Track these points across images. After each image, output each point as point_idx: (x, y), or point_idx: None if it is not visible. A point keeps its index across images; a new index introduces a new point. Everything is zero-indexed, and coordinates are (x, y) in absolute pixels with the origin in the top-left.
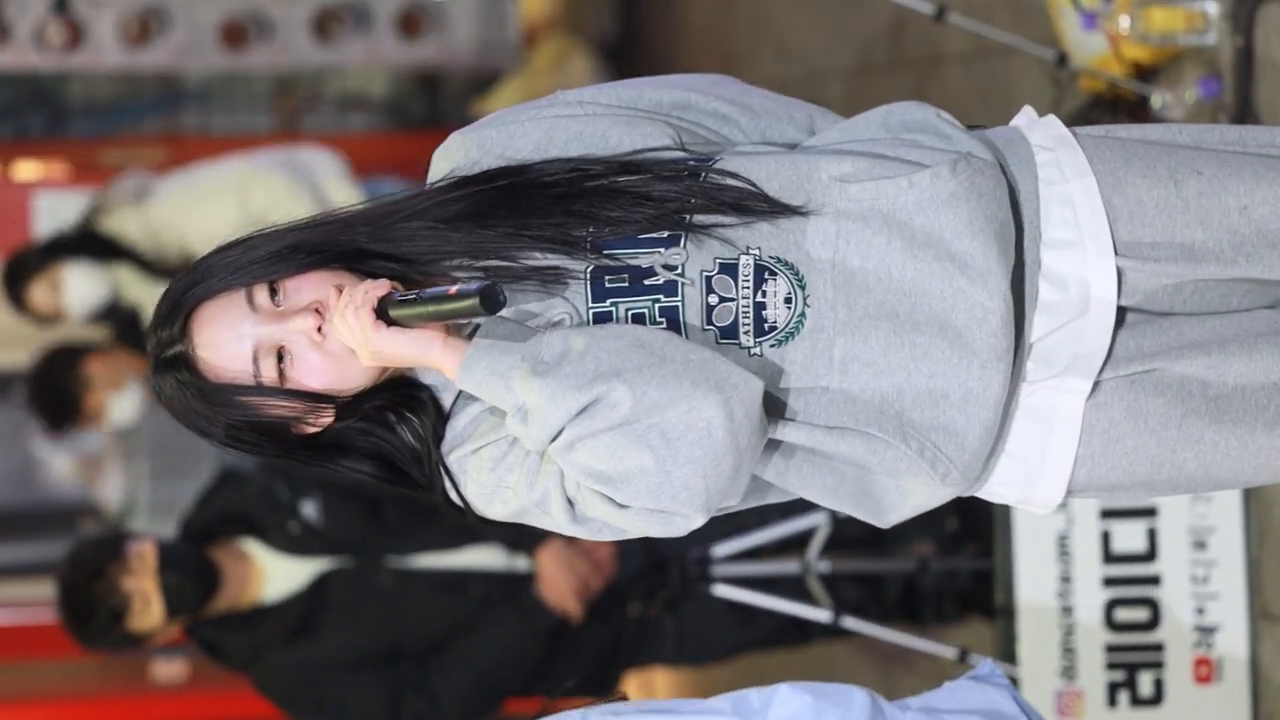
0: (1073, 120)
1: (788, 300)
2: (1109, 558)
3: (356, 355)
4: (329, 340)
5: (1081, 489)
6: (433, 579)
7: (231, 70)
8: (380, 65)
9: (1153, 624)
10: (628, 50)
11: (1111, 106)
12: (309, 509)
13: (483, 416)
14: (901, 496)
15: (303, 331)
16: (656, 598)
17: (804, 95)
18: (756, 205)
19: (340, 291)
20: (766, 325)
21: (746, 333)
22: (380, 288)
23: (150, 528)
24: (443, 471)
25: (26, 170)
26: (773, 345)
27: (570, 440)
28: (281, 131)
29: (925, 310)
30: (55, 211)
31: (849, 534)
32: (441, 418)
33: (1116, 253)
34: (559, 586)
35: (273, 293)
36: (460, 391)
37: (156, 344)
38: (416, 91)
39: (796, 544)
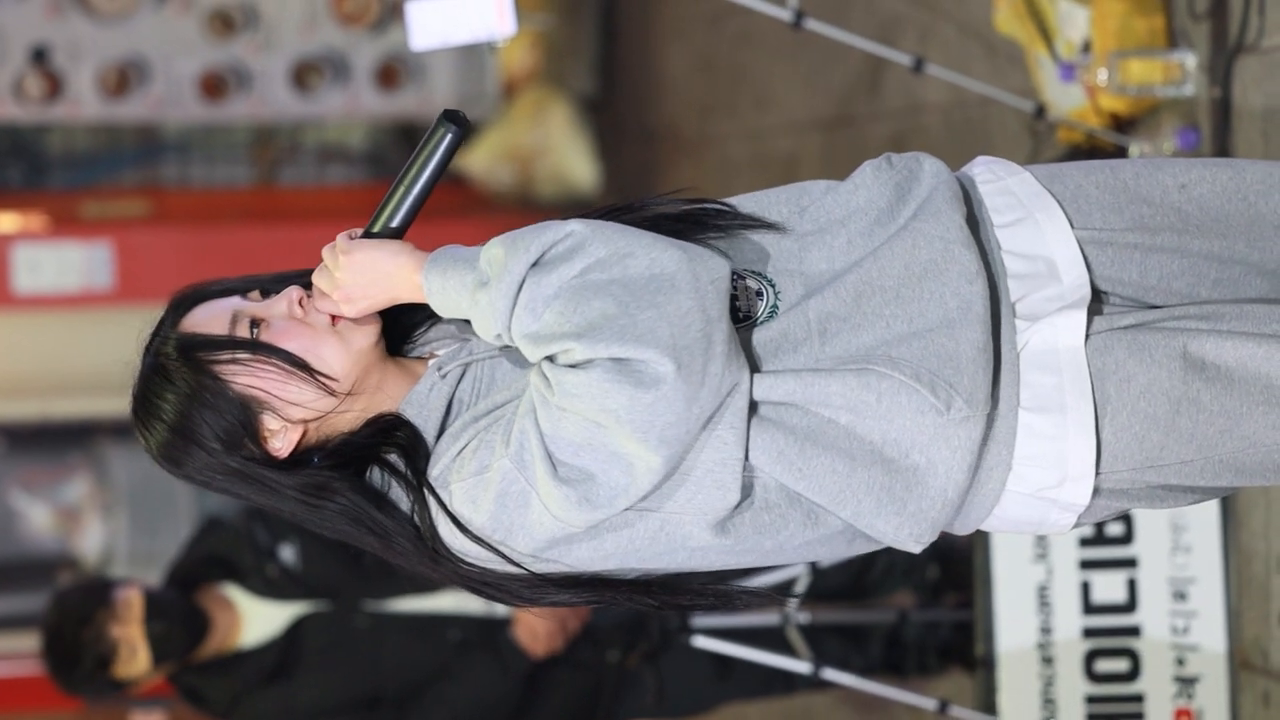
0: None
1: (759, 294)
2: (1089, 608)
3: (335, 332)
4: (309, 314)
5: (1111, 454)
6: (410, 623)
7: (211, 121)
8: (359, 117)
9: (1133, 675)
10: (607, 102)
11: (1089, 157)
12: (287, 553)
13: (461, 430)
14: (919, 476)
15: (284, 303)
16: (636, 649)
17: (783, 146)
18: (728, 217)
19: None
20: (741, 314)
21: None
22: (355, 228)
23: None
24: (428, 492)
25: (5, 222)
26: (748, 329)
27: (531, 296)
28: (260, 183)
29: (888, 257)
30: (34, 263)
31: (829, 585)
32: (425, 454)
33: (1071, 225)
34: (536, 630)
35: (265, 294)
36: (443, 422)
37: (147, 346)
38: (395, 143)
39: (778, 596)
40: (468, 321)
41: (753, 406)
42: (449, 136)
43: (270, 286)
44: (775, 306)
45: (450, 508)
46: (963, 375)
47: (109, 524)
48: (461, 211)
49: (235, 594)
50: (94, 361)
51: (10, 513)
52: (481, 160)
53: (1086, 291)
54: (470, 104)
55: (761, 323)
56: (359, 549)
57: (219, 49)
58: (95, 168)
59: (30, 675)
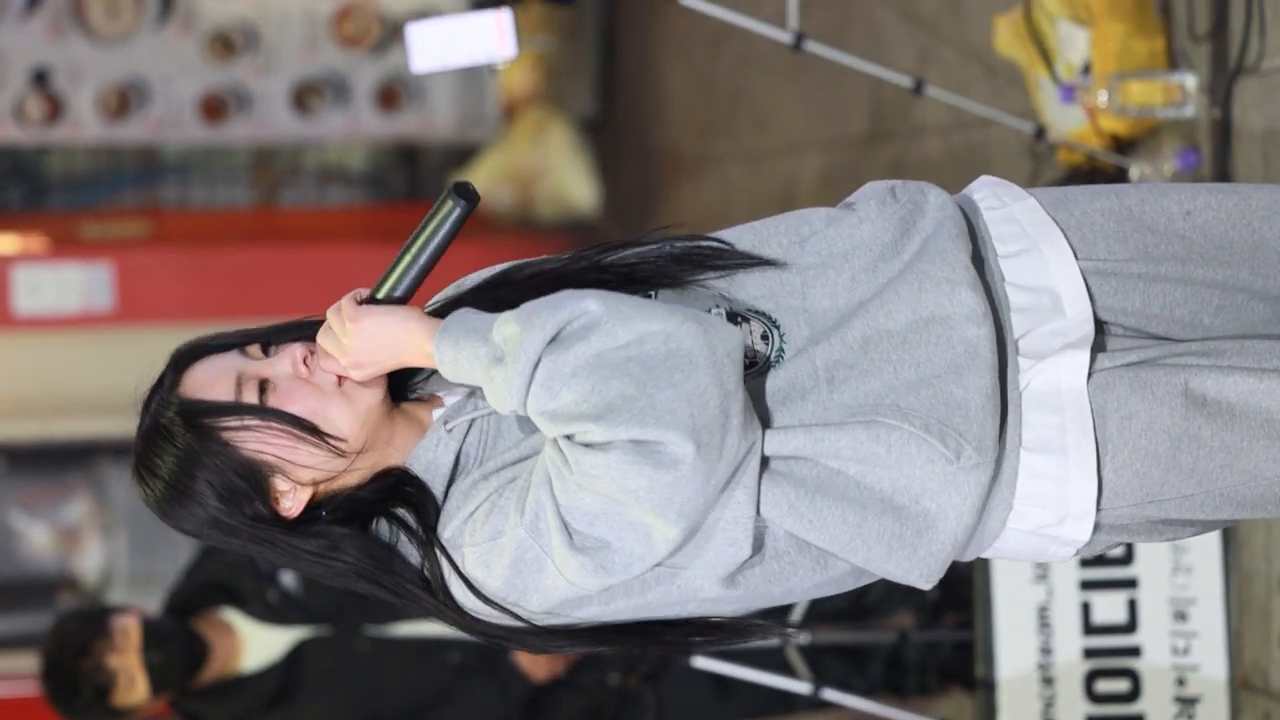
0: None
1: (764, 337)
2: (1089, 629)
3: (342, 392)
4: (315, 374)
5: (1112, 491)
6: (411, 647)
7: (211, 143)
8: (359, 138)
9: (1133, 695)
10: (607, 124)
11: (1090, 179)
12: (288, 577)
13: (472, 489)
14: (930, 522)
15: (288, 362)
16: (636, 669)
17: (782, 168)
18: (727, 257)
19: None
20: (747, 360)
21: None
22: (359, 290)
23: (128, 600)
24: (440, 553)
25: (5, 243)
26: (755, 376)
27: (548, 375)
28: (261, 204)
29: (894, 301)
30: (35, 284)
31: (829, 605)
32: (435, 509)
33: (1075, 256)
34: (536, 655)
35: (266, 348)
36: (451, 476)
37: (147, 393)
38: (396, 164)
39: (777, 615)
40: None
41: (763, 461)
42: (457, 210)
43: (270, 339)
44: (781, 350)
45: (463, 570)
46: (972, 423)
47: (108, 544)
48: (462, 233)
49: (236, 619)
50: (94, 382)
51: (10, 533)
52: (481, 181)
53: (1090, 329)
54: (470, 125)
55: (769, 368)
56: None
57: (219, 71)
58: (95, 189)
59: (30, 696)
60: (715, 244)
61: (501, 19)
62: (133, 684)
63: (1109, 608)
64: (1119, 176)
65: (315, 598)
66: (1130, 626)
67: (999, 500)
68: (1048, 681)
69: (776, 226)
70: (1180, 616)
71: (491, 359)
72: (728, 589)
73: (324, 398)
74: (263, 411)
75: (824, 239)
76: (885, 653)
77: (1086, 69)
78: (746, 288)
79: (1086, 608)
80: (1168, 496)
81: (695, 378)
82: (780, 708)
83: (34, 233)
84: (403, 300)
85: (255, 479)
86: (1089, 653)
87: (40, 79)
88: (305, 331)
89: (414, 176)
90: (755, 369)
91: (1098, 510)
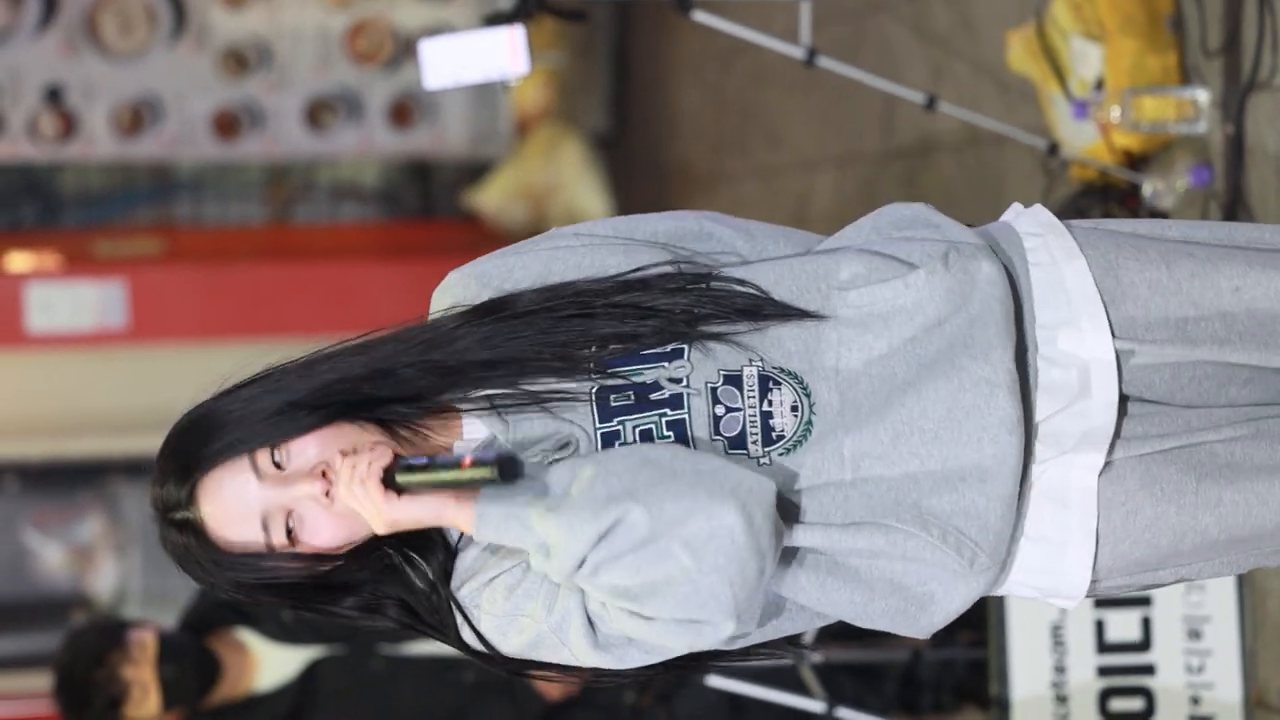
0: (1063, 209)
1: (794, 408)
2: (1103, 647)
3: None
4: (336, 502)
5: (1107, 572)
6: (425, 665)
7: (224, 160)
8: (372, 155)
9: (1147, 714)
10: (619, 140)
11: (1103, 194)
12: None
13: (490, 557)
14: (934, 601)
15: (308, 495)
16: (650, 688)
17: (795, 184)
18: (764, 309)
19: (345, 455)
20: (774, 434)
21: (754, 442)
22: (383, 456)
23: (144, 618)
24: (454, 608)
25: (19, 261)
26: (781, 454)
27: (595, 565)
28: (274, 221)
29: (931, 398)
30: (48, 302)
31: (842, 624)
32: (450, 554)
33: (1113, 334)
34: None
35: (275, 454)
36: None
37: (163, 503)
38: (409, 181)
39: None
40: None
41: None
42: (488, 475)
43: (271, 440)
44: (809, 424)
45: (478, 628)
46: (989, 534)
47: (122, 563)
48: (474, 249)
49: (250, 638)
50: (108, 401)
51: (24, 552)
52: (494, 198)
53: (1111, 419)
54: (483, 141)
55: (794, 445)
56: None
57: (232, 88)
58: (109, 206)
59: (43, 715)
60: (753, 294)
61: (514, 35)
62: (145, 697)
63: (1123, 626)
64: (1132, 192)
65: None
66: (1144, 645)
67: (998, 580)
68: (1061, 700)
69: (815, 270)
70: (1194, 635)
71: (538, 549)
72: (730, 643)
73: (349, 523)
74: (296, 557)
75: (865, 294)
76: (899, 671)
77: (1099, 85)
78: (780, 340)
79: (1100, 626)
80: (1164, 569)
81: (738, 558)
82: None
83: (47, 250)
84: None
85: (283, 584)
86: (1103, 671)
87: (54, 96)
88: (311, 420)
89: (427, 192)
90: (784, 441)
91: (1091, 582)
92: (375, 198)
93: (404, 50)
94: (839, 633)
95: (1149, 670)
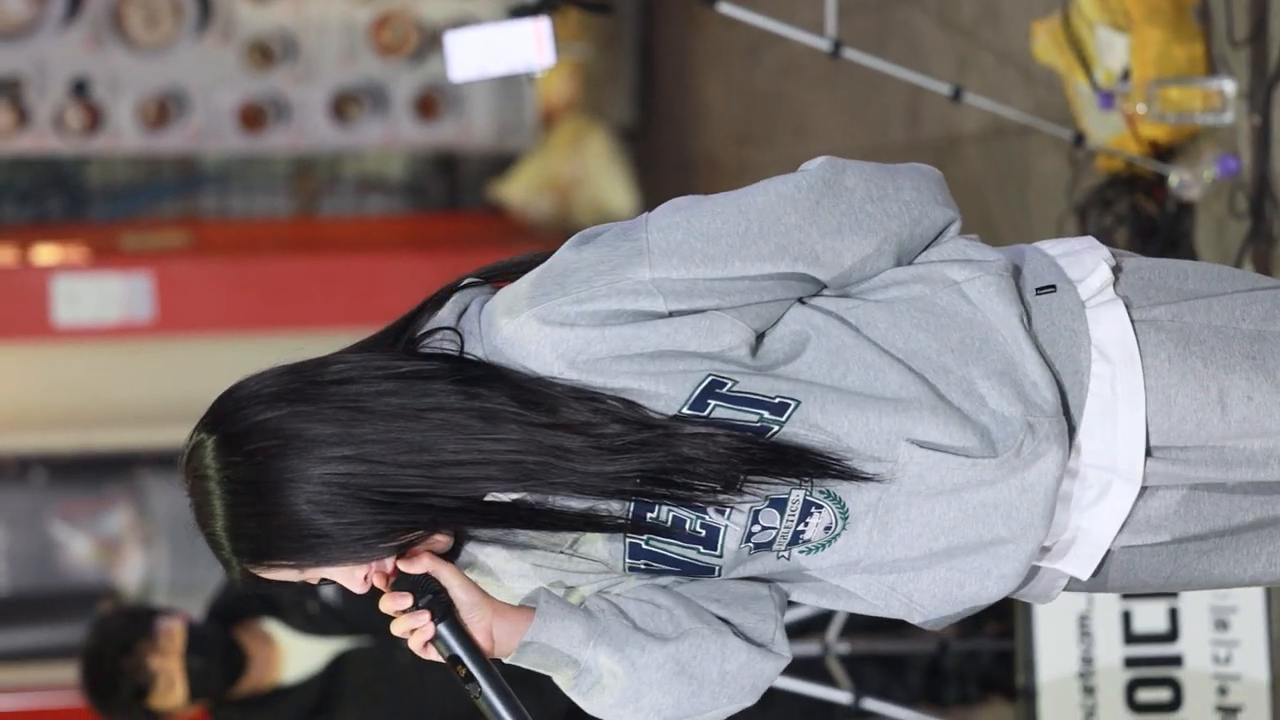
0: (1090, 200)
1: (828, 528)
2: (1130, 638)
3: None
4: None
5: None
6: None
7: (250, 153)
8: (398, 147)
9: (1175, 705)
10: (645, 132)
11: (1129, 185)
12: (328, 589)
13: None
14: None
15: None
16: None
17: None
18: (829, 470)
19: (397, 561)
20: (801, 541)
21: (780, 547)
22: (426, 630)
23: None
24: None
25: (45, 254)
26: (802, 552)
27: None
28: (300, 213)
29: (960, 545)
30: (74, 295)
31: (869, 615)
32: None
33: (1149, 455)
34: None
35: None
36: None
37: (213, 541)
38: (434, 173)
39: (816, 625)
40: None
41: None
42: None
43: (325, 563)
44: (837, 536)
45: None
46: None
47: (149, 555)
48: (501, 241)
49: (276, 630)
50: (134, 393)
51: (52, 544)
52: (520, 190)
53: (1106, 542)
54: (509, 134)
55: (818, 549)
56: None
57: (258, 80)
58: (135, 199)
59: (71, 706)
60: (824, 455)
61: (539, 27)
62: (172, 687)
63: (1150, 617)
64: (1158, 183)
65: (355, 609)
66: (1171, 635)
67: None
68: (1089, 691)
69: (894, 422)
70: (1221, 625)
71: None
72: None
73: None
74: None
75: (932, 456)
76: (925, 662)
77: (1125, 75)
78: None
79: (1127, 617)
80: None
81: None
82: (821, 717)
83: (74, 243)
84: None
85: None
86: (1130, 662)
87: (80, 89)
88: (374, 555)
89: (453, 185)
90: (808, 544)
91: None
92: (401, 190)
93: (429, 42)
94: (865, 624)
95: (1176, 661)
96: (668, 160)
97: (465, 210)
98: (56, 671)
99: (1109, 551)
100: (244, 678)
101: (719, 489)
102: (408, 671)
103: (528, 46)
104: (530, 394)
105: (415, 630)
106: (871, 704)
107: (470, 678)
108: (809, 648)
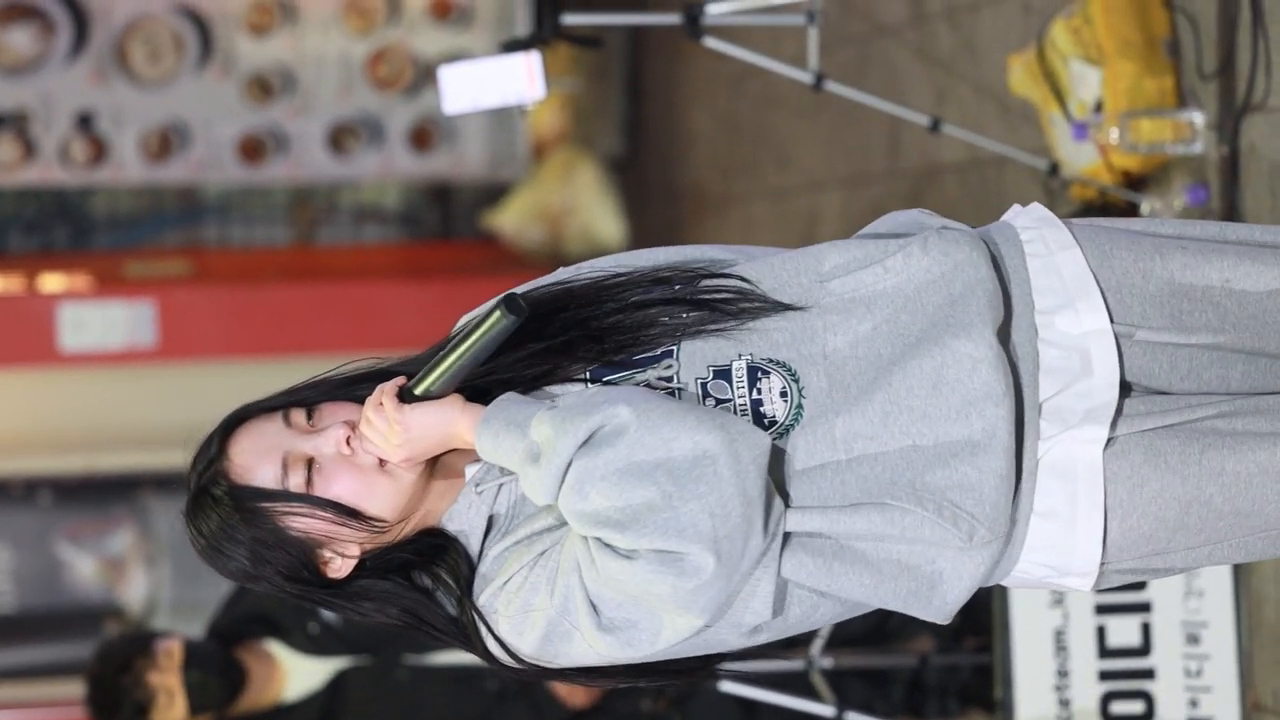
0: None
1: (783, 394)
2: (1104, 652)
3: (384, 472)
4: (357, 454)
5: (1117, 551)
6: (449, 675)
7: (250, 184)
8: (393, 178)
9: (1148, 717)
10: (633, 163)
11: (1102, 213)
12: (328, 610)
13: (505, 555)
14: (943, 579)
15: (332, 442)
16: (664, 694)
17: (804, 205)
18: (750, 303)
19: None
20: (766, 420)
21: None
22: (398, 381)
23: (173, 628)
24: (476, 617)
25: (52, 282)
26: (774, 439)
27: (578, 477)
28: (299, 242)
29: (917, 375)
30: (80, 322)
31: (851, 630)
32: (470, 567)
33: (1110, 319)
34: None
35: (309, 415)
36: (485, 535)
37: (195, 471)
38: (429, 203)
39: (801, 640)
40: None
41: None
42: (504, 322)
43: (312, 400)
44: (800, 407)
45: (497, 633)
46: (985, 505)
47: (152, 574)
48: (493, 269)
49: (277, 649)
50: (138, 417)
51: (57, 563)
52: (512, 219)
53: (1114, 396)
54: (501, 164)
55: (787, 428)
56: None
57: (257, 113)
58: (138, 229)
59: None
60: (741, 284)
61: (530, 61)
62: (172, 702)
63: (1123, 631)
64: (1130, 211)
65: (355, 629)
66: (1144, 650)
67: (1007, 557)
68: (1064, 704)
69: (798, 264)
70: (1193, 640)
71: (528, 455)
72: (752, 638)
73: (368, 479)
74: (309, 500)
75: (848, 282)
76: (906, 676)
77: (1098, 107)
78: (768, 332)
79: (1102, 631)
80: (1174, 549)
81: (719, 489)
82: None
83: (79, 272)
84: (440, 397)
85: (302, 552)
86: (1104, 675)
87: (84, 122)
88: (345, 392)
89: (447, 214)
90: (775, 427)
91: (1101, 564)
92: (396, 219)
93: (424, 76)
94: (848, 639)
95: (1149, 674)
96: (656, 190)
97: (459, 239)
98: (62, 688)
99: (1127, 439)
100: (244, 694)
101: (653, 325)
102: (406, 688)
103: (519, 80)
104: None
105: (387, 390)
106: (854, 717)
107: (440, 356)
108: (793, 663)
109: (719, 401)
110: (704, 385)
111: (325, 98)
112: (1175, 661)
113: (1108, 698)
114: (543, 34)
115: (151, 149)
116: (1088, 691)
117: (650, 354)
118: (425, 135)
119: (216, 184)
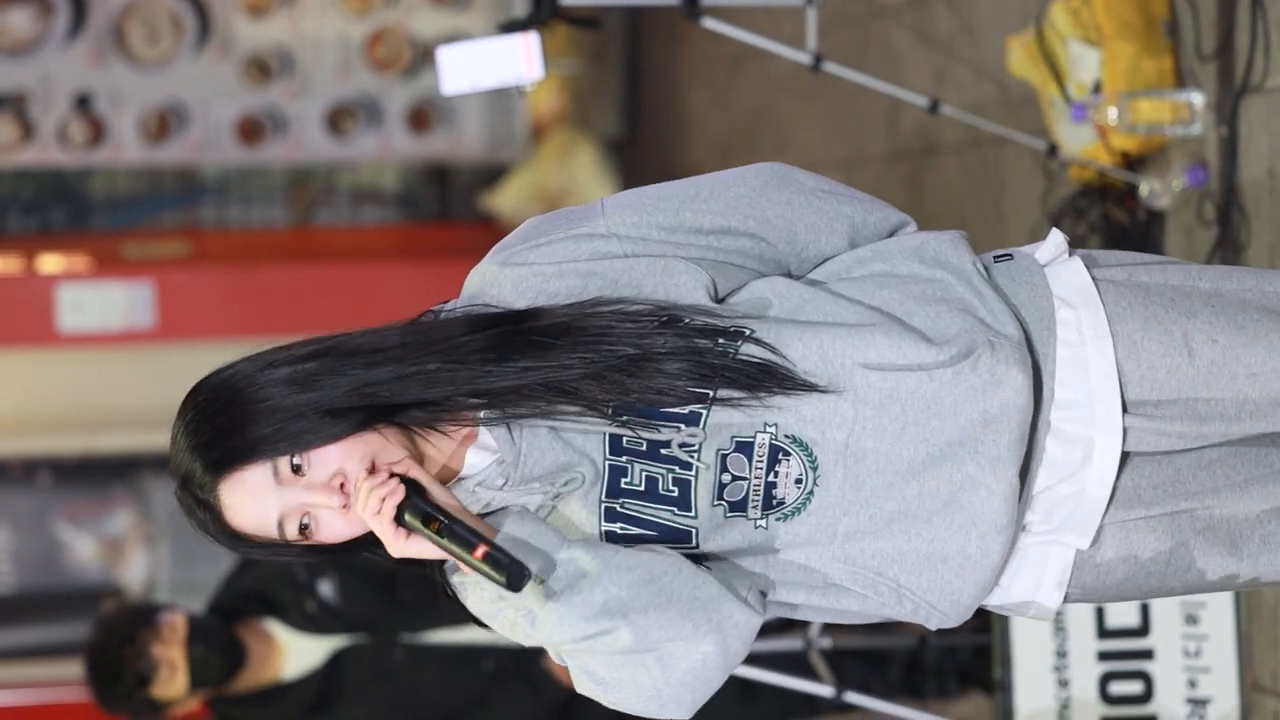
0: (1063, 209)
1: (798, 481)
2: (1103, 633)
3: (379, 518)
4: (351, 510)
5: (1081, 593)
6: (446, 654)
7: (248, 165)
8: (392, 159)
9: (1146, 697)
10: (632, 143)
11: (1100, 195)
12: (326, 588)
13: None
14: (932, 605)
15: (327, 507)
16: None
17: None
18: (784, 385)
19: (369, 472)
20: (775, 501)
21: (755, 507)
22: (397, 494)
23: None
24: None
25: (50, 263)
26: (779, 519)
27: (572, 650)
28: (297, 224)
29: (933, 493)
30: (78, 303)
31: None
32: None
33: (1125, 411)
34: None
35: (294, 459)
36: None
37: (184, 475)
38: (427, 184)
39: (799, 621)
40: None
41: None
42: (499, 580)
43: (294, 449)
44: (811, 494)
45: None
46: (958, 607)
47: (152, 555)
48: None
49: (275, 628)
50: (136, 397)
51: (57, 544)
52: (510, 200)
53: (1102, 504)
54: (499, 145)
55: (792, 513)
56: (395, 582)
57: (256, 94)
58: (136, 210)
59: (76, 701)
60: (780, 366)
61: (529, 42)
62: (173, 675)
63: (1122, 612)
64: (1129, 192)
65: (353, 607)
66: (1143, 630)
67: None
68: (1063, 684)
69: (844, 346)
70: (1191, 620)
71: (525, 614)
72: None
73: (363, 525)
74: (307, 550)
75: (889, 380)
76: (905, 656)
77: (1097, 88)
78: (797, 407)
79: (1100, 612)
80: (1140, 597)
81: (705, 676)
82: (804, 710)
83: (77, 253)
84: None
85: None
86: (1103, 655)
87: (83, 103)
88: (331, 431)
89: (445, 195)
90: (783, 507)
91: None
92: (394, 201)
93: (422, 57)
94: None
95: (1148, 655)
96: (654, 171)
97: (457, 220)
98: (61, 668)
99: (1105, 529)
100: (243, 671)
101: (685, 383)
102: (404, 668)
103: (517, 61)
104: (509, 317)
105: (386, 497)
106: (853, 697)
107: (446, 529)
108: (792, 643)
109: (735, 477)
110: (724, 458)
111: (323, 79)
112: (1174, 642)
113: (1106, 678)
114: (541, 15)
115: (150, 130)
116: (1087, 672)
117: (678, 411)
118: (423, 116)
119: (215, 165)
